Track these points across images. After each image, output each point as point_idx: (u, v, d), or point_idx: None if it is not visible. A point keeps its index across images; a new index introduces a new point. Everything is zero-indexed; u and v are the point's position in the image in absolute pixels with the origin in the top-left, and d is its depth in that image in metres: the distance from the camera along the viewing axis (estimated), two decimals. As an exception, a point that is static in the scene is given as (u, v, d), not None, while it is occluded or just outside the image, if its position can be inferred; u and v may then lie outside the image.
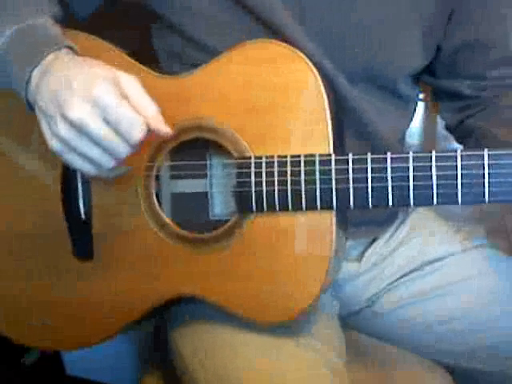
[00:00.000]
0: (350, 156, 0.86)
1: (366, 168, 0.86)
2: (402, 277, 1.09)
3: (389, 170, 0.85)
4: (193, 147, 0.94)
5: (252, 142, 0.90)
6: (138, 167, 0.93)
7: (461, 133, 1.08)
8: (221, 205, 0.97)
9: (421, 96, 1.19)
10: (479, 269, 1.07)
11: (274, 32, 0.93)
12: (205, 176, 0.96)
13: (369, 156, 0.86)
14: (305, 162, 0.87)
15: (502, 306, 1.04)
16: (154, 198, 0.94)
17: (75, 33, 0.94)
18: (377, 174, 0.86)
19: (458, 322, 1.06)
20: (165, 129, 0.81)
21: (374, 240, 1.11)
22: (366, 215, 1.03)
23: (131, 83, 0.80)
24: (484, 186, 0.83)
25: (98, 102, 0.76)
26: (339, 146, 0.91)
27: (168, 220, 0.94)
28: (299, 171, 0.87)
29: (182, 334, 1.02)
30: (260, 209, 0.89)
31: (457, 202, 0.85)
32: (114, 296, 0.97)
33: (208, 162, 0.95)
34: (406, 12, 0.96)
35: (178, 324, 1.03)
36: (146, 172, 0.93)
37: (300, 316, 0.92)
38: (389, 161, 0.85)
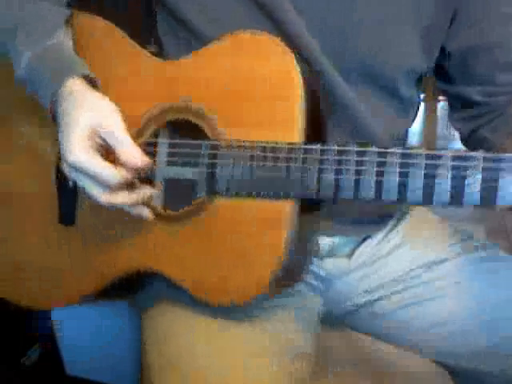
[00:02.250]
0: (319, 146, 0.87)
1: (328, 158, 0.87)
2: (401, 277, 1.08)
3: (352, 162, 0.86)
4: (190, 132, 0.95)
5: (228, 126, 0.91)
6: None
7: (472, 144, 1.07)
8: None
9: (421, 96, 1.18)
10: (479, 269, 1.06)
11: (276, 26, 0.93)
12: (196, 165, 0.96)
13: (335, 147, 0.87)
14: (271, 148, 0.88)
15: (502, 307, 1.03)
16: None
17: (76, 13, 0.98)
18: (343, 167, 0.87)
19: (457, 323, 1.05)
20: (148, 165, 0.88)
21: (365, 238, 1.10)
22: (352, 213, 1.02)
23: (111, 133, 0.87)
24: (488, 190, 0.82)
25: (75, 166, 0.87)
26: (313, 136, 0.91)
27: None
28: (265, 157, 0.88)
29: (146, 317, 1.05)
30: (225, 192, 0.91)
31: (452, 204, 0.83)
32: (90, 259, 1.00)
33: (202, 152, 0.95)
34: (406, 12, 0.96)
35: (144, 309, 1.06)
36: None
37: (249, 303, 0.92)
38: (354, 154, 0.86)
